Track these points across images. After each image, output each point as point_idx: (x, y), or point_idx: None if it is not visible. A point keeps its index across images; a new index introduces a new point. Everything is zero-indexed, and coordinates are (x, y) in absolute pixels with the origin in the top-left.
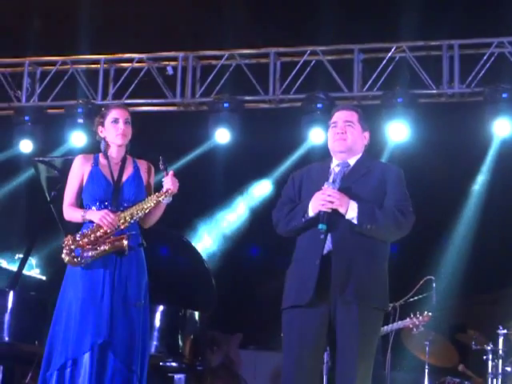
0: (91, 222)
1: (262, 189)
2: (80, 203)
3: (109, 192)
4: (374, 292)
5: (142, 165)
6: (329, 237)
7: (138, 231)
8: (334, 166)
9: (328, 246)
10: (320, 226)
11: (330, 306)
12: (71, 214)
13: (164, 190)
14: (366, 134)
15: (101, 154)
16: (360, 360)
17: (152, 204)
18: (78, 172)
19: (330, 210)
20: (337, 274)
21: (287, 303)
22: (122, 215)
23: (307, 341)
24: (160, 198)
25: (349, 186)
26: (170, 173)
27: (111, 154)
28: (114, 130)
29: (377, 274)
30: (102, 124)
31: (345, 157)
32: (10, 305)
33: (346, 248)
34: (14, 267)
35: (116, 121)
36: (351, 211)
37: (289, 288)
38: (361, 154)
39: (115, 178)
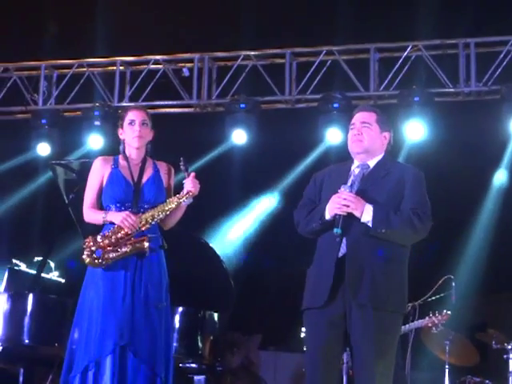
0: (112, 223)
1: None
2: (100, 205)
3: (129, 193)
4: (389, 295)
5: (162, 166)
6: (344, 240)
7: (158, 233)
8: (354, 168)
9: (343, 248)
10: (335, 230)
11: (346, 309)
12: (92, 215)
13: (185, 191)
14: (387, 135)
15: (120, 156)
16: (377, 363)
17: (173, 206)
18: (98, 174)
19: (345, 214)
20: (350, 277)
21: (304, 305)
22: (143, 217)
23: (321, 342)
24: (181, 200)
25: (366, 188)
26: (192, 174)
27: (131, 156)
28: (131, 132)
29: (392, 277)
30: (121, 126)
31: (364, 158)
32: (29, 308)
33: (360, 251)
34: (32, 270)
35: (132, 122)
36: (366, 215)
37: (306, 290)
38: (382, 156)
39: (135, 179)
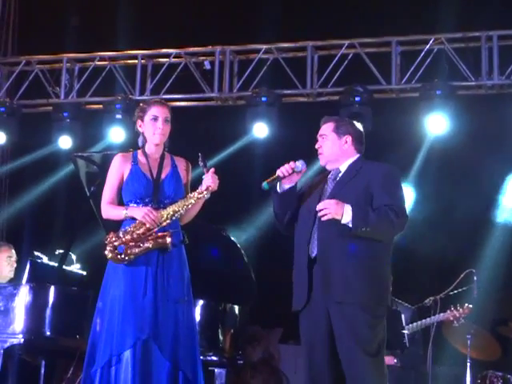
0: (133, 219)
1: None
2: (119, 202)
3: (149, 189)
4: (364, 290)
5: (181, 162)
6: (315, 240)
7: (179, 228)
8: (329, 176)
9: (314, 249)
10: (263, 184)
11: (327, 308)
12: (111, 211)
13: (204, 186)
14: (347, 138)
15: (139, 152)
16: (363, 361)
17: (193, 201)
18: (118, 171)
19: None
20: (323, 276)
21: (292, 308)
22: (165, 212)
23: (312, 342)
24: (201, 195)
25: (338, 191)
26: (211, 170)
27: (149, 151)
28: (153, 129)
29: (366, 273)
30: (142, 118)
31: (332, 166)
32: (51, 300)
33: (332, 251)
34: (54, 263)
35: (156, 119)
36: (346, 215)
37: (293, 291)
38: (354, 158)
39: (154, 175)
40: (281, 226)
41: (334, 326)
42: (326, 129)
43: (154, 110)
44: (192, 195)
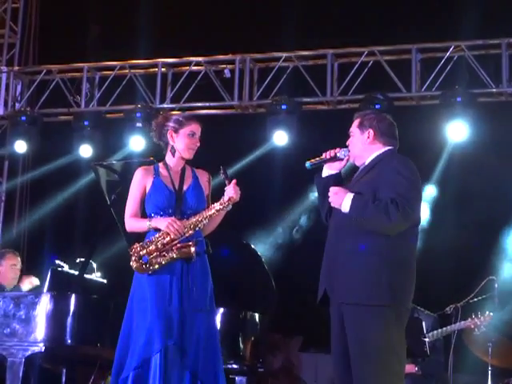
0: (156, 230)
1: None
2: (142, 215)
3: (172, 201)
4: (364, 289)
5: (202, 175)
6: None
7: (202, 238)
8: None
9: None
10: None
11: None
12: (135, 224)
13: (226, 198)
14: (369, 133)
15: (161, 165)
16: (362, 366)
17: (216, 212)
18: (140, 184)
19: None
20: (327, 275)
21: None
22: (188, 223)
23: (332, 339)
24: (223, 206)
25: (354, 184)
26: (233, 181)
27: (172, 163)
28: (189, 144)
29: (364, 271)
30: (176, 131)
31: (360, 162)
32: (72, 308)
33: (337, 245)
34: (75, 271)
35: (194, 135)
36: (345, 205)
37: None
38: (380, 152)
39: (176, 186)
40: (324, 219)
41: (346, 327)
42: (353, 126)
43: (194, 127)
44: (214, 206)
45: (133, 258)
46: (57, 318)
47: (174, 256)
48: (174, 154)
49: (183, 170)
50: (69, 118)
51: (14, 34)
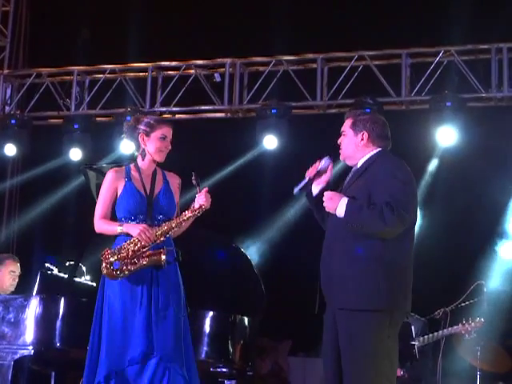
0: (127, 235)
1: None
2: (112, 217)
3: (143, 206)
4: (357, 294)
5: (173, 178)
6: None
7: (173, 245)
8: (350, 172)
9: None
10: (295, 191)
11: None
12: (105, 226)
13: (197, 205)
14: (363, 135)
15: (132, 167)
16: (350, 374)
17: (186, 219)
18: (111, 186)
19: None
20: (323, 282)
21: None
22: (159, 230)
23: (324, 343)
24: (193, 214)
25: (348, 187)
26: (204, 189)
27: (143, 166)
28: (160, 146)
29: (358, 275)
30: (147, 134)
31: (352, 162)
32: (61, 311)
33: (333, 250)
34: (65, 274)
35: (165, 138)
36: (340, 209)
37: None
38: (372, 153)
39: (148, 191)
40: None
41: (338, 328)
42: (346, 125)
43: (165, 130)
44: (186, 213)
45: (103, 264)
46: (46, 321)
47: (145, 263)
48: (145, 157)
49: (154, 173)
50: (59, 121)
51: (3, 37)
